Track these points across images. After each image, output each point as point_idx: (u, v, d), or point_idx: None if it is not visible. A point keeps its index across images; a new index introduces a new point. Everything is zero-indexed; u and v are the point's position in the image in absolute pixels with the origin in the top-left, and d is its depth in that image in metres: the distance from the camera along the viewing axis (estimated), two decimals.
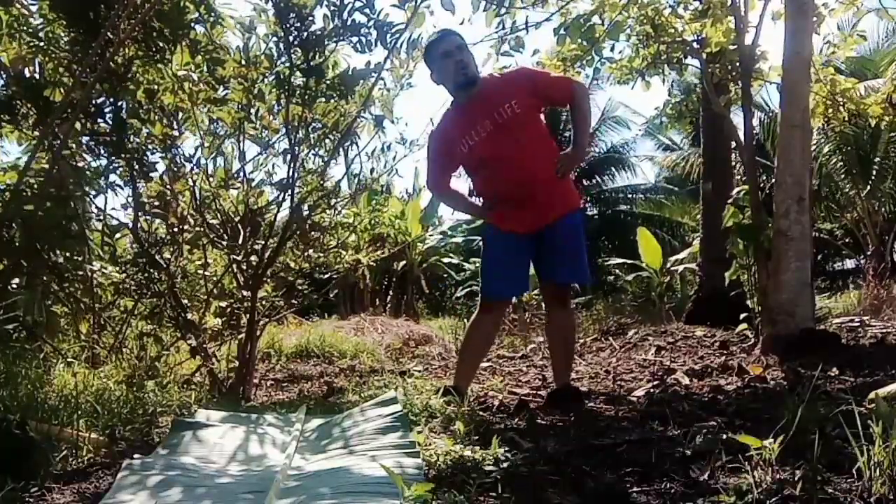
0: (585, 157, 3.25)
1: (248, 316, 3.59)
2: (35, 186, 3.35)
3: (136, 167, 3.50)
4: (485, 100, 3.06)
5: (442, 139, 3.21)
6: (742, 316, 4.97)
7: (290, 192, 3.58)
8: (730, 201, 4.79)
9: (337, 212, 4.00)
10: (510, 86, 3.09)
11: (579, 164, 2.93)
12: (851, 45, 5.63)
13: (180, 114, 3.55)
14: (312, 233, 3.86)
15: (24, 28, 3.37)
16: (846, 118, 6.02)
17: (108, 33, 3.21)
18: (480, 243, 3.36)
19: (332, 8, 3.29)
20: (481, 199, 3.36)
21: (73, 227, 3.43)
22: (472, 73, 3.06)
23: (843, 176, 12.09)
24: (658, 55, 5.58)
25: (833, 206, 13.08)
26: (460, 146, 3.11)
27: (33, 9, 3.45)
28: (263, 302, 3.80)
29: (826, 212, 13.45)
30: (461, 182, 5.09)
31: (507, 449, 2.16)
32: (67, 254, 3.45)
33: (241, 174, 3.74)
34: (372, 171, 3.90)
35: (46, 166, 3.38)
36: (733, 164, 7.71)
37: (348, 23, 3.29)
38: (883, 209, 12.11)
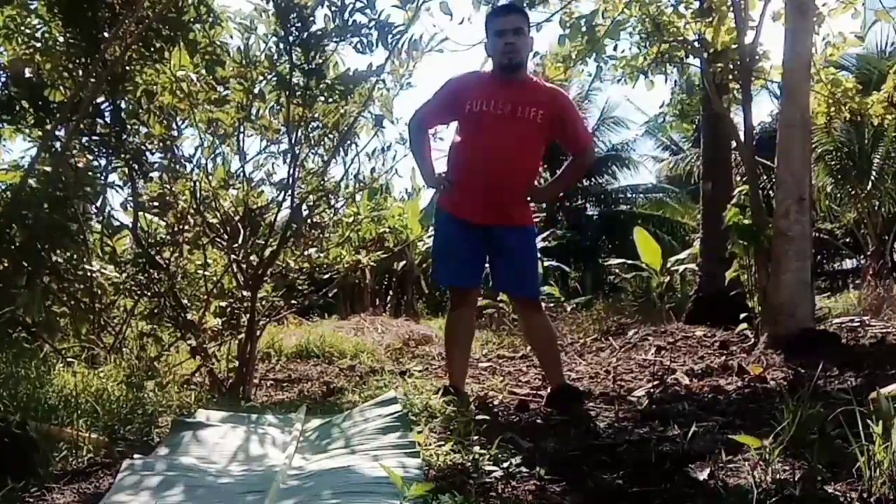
0: (551, 200, 3.28)
1: (248, 316, 3.59)
2: (35, 187, 3.35)
3: (136, 167, 3.50)
4: (521, 89, 3.05)
5: (461, 85, 3.13)
6: (742, 316, 4.97)
7: (290, 191, 3.58)
8: (732, 202, 4.78)
9: (336, 211, 3.99)
10: (547, 98, 3.10)
11: (544, 201, 2.97)
12: (852, 44, 5.63)
13: (179, 114, 3.55)
14: (312, 232, 3.86)
15: (22, 29, 3.37)
16: (847, 118, 6.02)
17: (106, 33, 3.21)
18: (433, 229, 3.32)
19: (334, 8, 3.28)
20: (448, 169, 3.20)
21: (72, 228, 3.43)
22: (518, 60, 3.03)
23: (839, 177, 12.09)
24: (660, 54, 5.58)
25: (833, 206, 13.08)
26: (470, 103, 3.05)
27: (31, 8, 3.45)
28: (263, 302, 3.80)
29: (826, 211, 13.44)
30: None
31: (507, 449, 2.16)
32: (67, 254, 3.45)
33: (241, 174, 3.74)
34: (372, 170, 3.90)
35: (46, 166, 3.38)
36: (733, 164, 7.71)
37: (349, 23, 3.29)
38: (883, 209, 12.11)
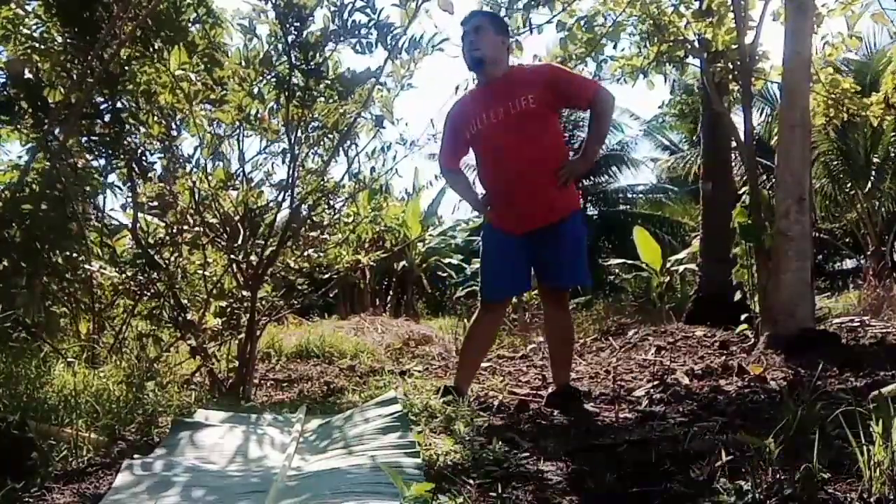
0: (591, 164, 3.20)
1: (247, 316, 3.58)
2: (34, 187, 3.35)
3: (135, 167, 3.50)
4: (504, 87, 3.05)
5: (456, 116, 3.20)
6: (742, 316, 4.97)
7: (289, 192, 3.58)
8: (739, 203, 4.78)
9: (336, 211, 3.99)
10: (532, 78, 3.08)
11: (584, 174, 2.91)
12: (850, 44, 5.63)
13: (178, 114, 3.55)
14: (312, 233, 3.86)
15: (19, 29, 3.37)
16: (846, 119, 6.02)
17: (105, 33, 3.21)
18: (480, 243, 3.35)
19: (333, 9, 3.28)
20: (483, 191, 3.31)
21: (71, 228, 3.42)
22: (478, 55, 3.05)
23: (838, 177, 12.10)
24: (660, 54, 5.58)
25: (833, 207, 13.08)
26: (469, 128, 3.10)
27: (28, 9, 3.44)
28: (263, 302, 3.80)
29: (826, 212, 13.45)
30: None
31: (507, 449, 2.16)
32: (67, 254, 3.45)
33: (241, 174, 3.74)
34: (372, 170, 3.89)
35: (46, 166, 3.38)
36: (733, 163, 7.71)
37: (348, 23, 3.28)
38: (883, 209, 12.11)
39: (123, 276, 3.59)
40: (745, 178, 5.07)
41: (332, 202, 3.89)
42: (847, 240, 14.97)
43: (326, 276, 4.28)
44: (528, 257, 3.14)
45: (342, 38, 3.33)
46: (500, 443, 2.15)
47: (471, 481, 1.83)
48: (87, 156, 3.67)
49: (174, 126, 3.57)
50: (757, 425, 2.28)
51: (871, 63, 13.27)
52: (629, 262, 11.36)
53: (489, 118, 3.04)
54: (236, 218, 3.69)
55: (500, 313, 3.46)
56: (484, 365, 4.50)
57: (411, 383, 3.54)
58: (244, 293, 3.63)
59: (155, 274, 3.56)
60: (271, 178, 3.81)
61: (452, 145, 3.26)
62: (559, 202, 3.06)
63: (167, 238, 3.67)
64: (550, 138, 3.09)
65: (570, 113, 15.50)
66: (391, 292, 13.44)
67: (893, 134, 11.66)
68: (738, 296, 5.79)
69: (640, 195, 20.62)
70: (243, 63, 3.48)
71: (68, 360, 3.14)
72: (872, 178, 11.79)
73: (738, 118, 5.80)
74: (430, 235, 13.13)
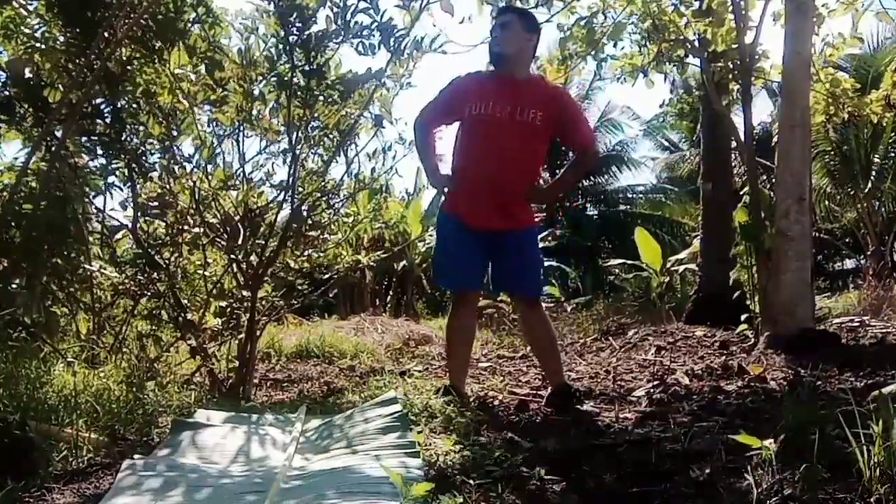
0: (552, 201, 3.26)
1: (248, 316, 3.59)
2: (34, 187, 3.35)
3: (135, 167, 3.50)
4: (520, 90, 3.06)
5: (462, 88, 3.17)
6: (742, 316, 4.97)
7: (290, 192, 3.58)
8: (739, 203, 4.79)
9: (336, 211, 3.99)
10: (546, 98, 3.11)
11: (545, 202, 2.95)
12: (851, 44, 5.63)
13: (178, 114, 3.55)
14: (312, 232, 3.86)
15: (21, 29, 3.37)
16: (845, 118, 6.01)
17: (105, 33, 3.21)
18: (435, 232, 3.32)
19: (336, 9, 3.28)
20: (451, 171, 3.24)
21: (71, 228, 3.42)
22: (501, 51, 3.07)
23: (838, 177, 12.10)
24: (660, 53, 5.58)
25: (833, 206, 13.09)
26: (471, 106, 3.08)
27: (30, 8, 3.44)
28: (263, 302, 3.80)
29: (826, 212, 13.45)
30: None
31: (507, 449, 2.16)
32: (66, 254, 3.45)
33: (241, 174, 3.74)
34: (372, 171, 3.90)
35: (45, 166, 3.38)
36: (733, 164, 7.71)
37: (351, 24, 3.28)
38: (883, 209, 12.11)
39: (123, 276, 3.59)
40: (745, 178, 5.06)
41: (332, 202, 3.90)
42: (847, 240, 14.97)
43: (326, 276, 4.29)
44: (482, 253, 3.14)
45: (344, 39, 3.33)
46: (500, 443, 2.14)
47: (471, 481, 1.83)
48: (87, 155, 3.67)
49: (175, 126, 3.57)
50: (757, 425, 2.28)
51: (872, 58, 13.26)
52: (629, 262, 11.36)
53: (494, 109, 3.04)
54: (236, 218, 3.69)
55: (474, 302, 3.39)
56: (484, 365, 4.50)
57: (411, 383, 3.54)
58: (244, 293, 3.63)
59: (155, 274, 3.56)
60: (272, 179, 3.82)
61: (443, 110, 3.20)
62: (519, 213, 3.14)
63: (167, 238, 3.67)
64: (535, 158, 3.20)
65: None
66: (391, 292, 13.44)
67: (893, 134, 11.65)
68: (737, 296, 5.78)
69: (640, 195, 20.61)
70: (244, 63, 3.48)
71: (68, 360, 3.14)
72: (872, 178, 11.78)
73: (738, 118, 5.79)
74: (430, 235, 13.13)
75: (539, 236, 3.22)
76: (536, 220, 3.29)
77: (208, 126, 3.63)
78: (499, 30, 3.08)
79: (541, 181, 3.26)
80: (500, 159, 3.02)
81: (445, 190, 3.21)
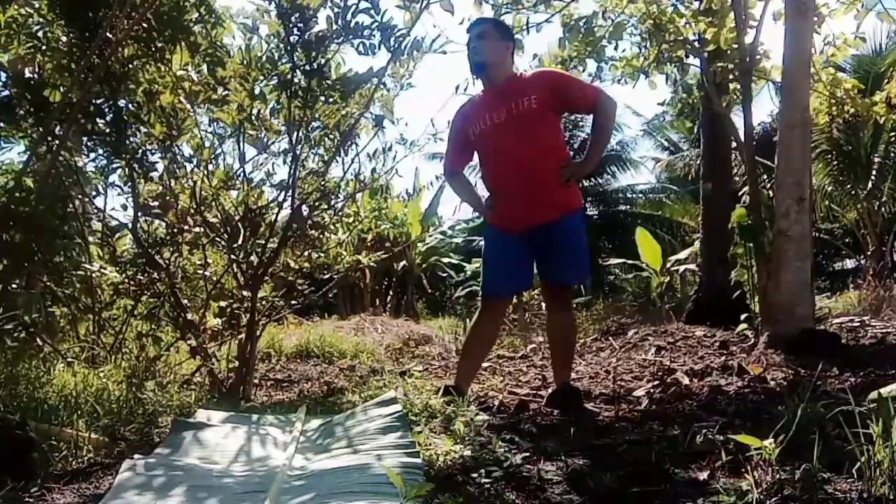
0: (592, 169, 3.23)
1: (248, 316, 3.59)
2: (33, 186, 3.34)
3: (136, 167, 3.50)
4: (507, 90, 3.10)
5: (461, 120, 3.26)
6: (742, 316, 4.97)
7: (290, 192, 3.58)
8: (739, 203, 4.79)
9: (336, 211, 3.99)
10: (534, 82, 3.13)
11: (586, 172, 2.91)
12: (853, 45, 5.62)
13: (180, 114, 3.55)
14: (312, 232, 3.86)
15: (23, 28, 3.37)
16: (847, 118, 6.01)
17: (107, 33, 3.21)
18: (482, 243, 3.38)
19: (336, 10, 3.28)
20: (487, 193, 3.35)
21: (65, 228, 3.42)
22: (483, 60, 3.11)
23: (839, 177, 12.09)
24: (660, 53, 5.58)
25: (833, 206, 13.07)
26: (473, 129, 3.17)
27: (33, 8, 3.44)
28: (263, 302, 3.80)
29: (826, 212, 13.44)
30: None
31: (507, 449, 2.16)
32: (66, 254, 3.45)
33: (242, 174, 3.74)
34: (373, 171, 3.90)
35: (45, 166, 3.37)
36: (733, 163, 7.70)
37: (352, 24, 3.29)
38: (883, 209, 12.11)
39: (123, 276, 3.59)
40: (745, 178, 5.06)
41: (332, 202, 3.90)
42: (847, 240, 14.97)
43: (327, 276, 4.29)
44: (529, 255, 3.17)
45: (345, 40, 3.33)
46: (500, 443, 2.14)
47: (471, 481, 1.83)
48: (86, 155, 3.66)
49: (175, 126, 3.56)
50: (757, 425, 2.28)
51: (874, 59, 13.24)
52: (629, 262, 11.36)
53: (492, 120, 3.10)
54: (237, 218, 3.69)
55: (501, 312, 3.48)
56: (484, 365, 4.50)
57: (411, 383, 3.54)
58: (244, 293, 3.63)
59: (155, 274, 3.56)
60: (272, 179, 3.82)
61: (456, 149, 3.31)
62: (560, 200, 3.09)
63: (167, 238, 3.66)
64: (550, 138, 3.12)
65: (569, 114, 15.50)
66: (391, 292, 13.44)
67: (894, 134, 11.65)
68: (737, 296, 5.78)
69: (640, 195, 20.62)
70: (245, 63, 3.48)
71: (68, 360, 3.14)
72: (872, 178, 11.77)
73: (738, 118, 5.79)
74: (429, 235, 13.13)
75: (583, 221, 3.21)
76: (580, 201, 3.23)
77: (209, 126, 3.63)
78: (476, 40, 3.13)
79: (570, 155, 3.25)
80: (515, 160, 3.05)
81: (491, 210, 3.25)
